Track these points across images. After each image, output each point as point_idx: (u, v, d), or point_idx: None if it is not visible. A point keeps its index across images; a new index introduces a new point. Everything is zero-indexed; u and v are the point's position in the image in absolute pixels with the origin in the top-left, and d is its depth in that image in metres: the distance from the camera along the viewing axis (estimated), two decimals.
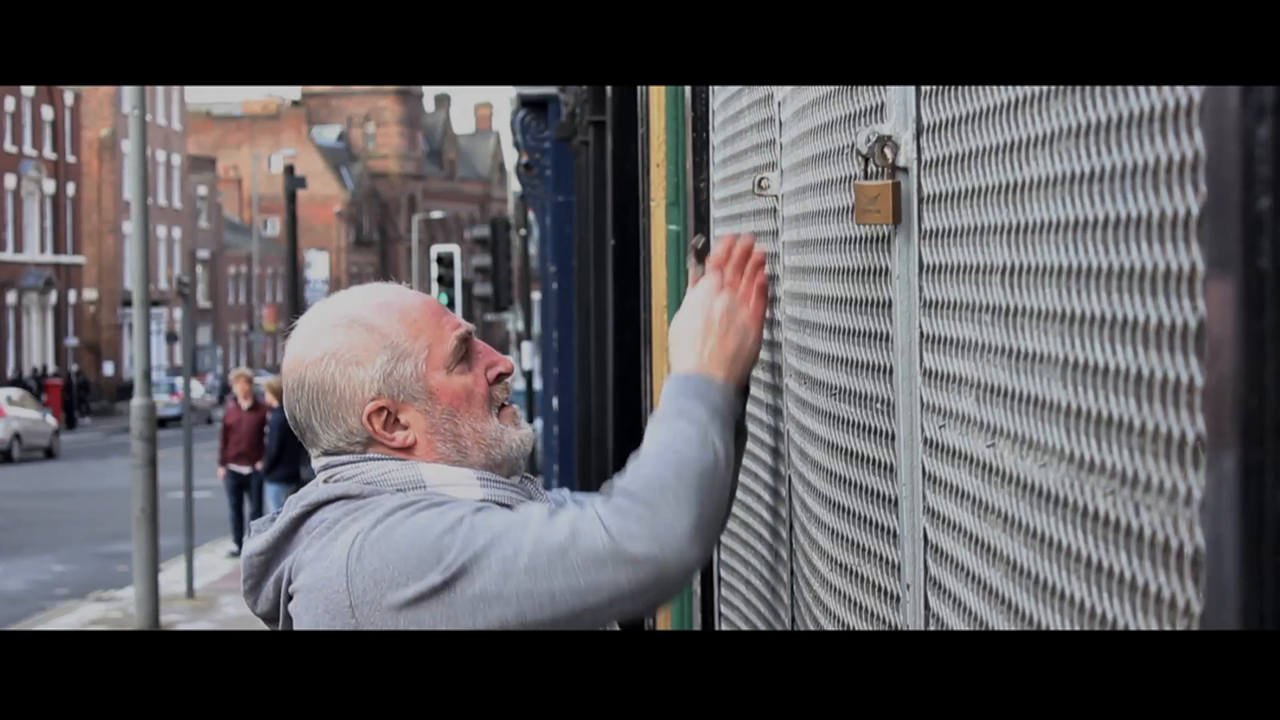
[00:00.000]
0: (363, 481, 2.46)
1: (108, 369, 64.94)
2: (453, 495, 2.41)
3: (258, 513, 18.41)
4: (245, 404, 19.03)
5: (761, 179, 2.77)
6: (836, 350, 2.30)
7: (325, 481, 2.50)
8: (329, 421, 2.50)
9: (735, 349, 2.56)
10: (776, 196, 2.75)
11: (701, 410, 2.45)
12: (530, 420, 26.26)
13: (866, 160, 2.02)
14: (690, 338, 2.58)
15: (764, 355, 2.96)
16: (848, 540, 2.26)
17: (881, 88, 2.03)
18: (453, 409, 2.50)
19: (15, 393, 43.39)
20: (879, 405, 2.07)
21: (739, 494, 3.28)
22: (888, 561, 2.05)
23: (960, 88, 1.75)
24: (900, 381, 1.97)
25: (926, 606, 1.92)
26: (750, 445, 3.14)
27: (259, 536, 2.47)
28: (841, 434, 2.28)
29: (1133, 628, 1.27)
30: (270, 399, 18.66)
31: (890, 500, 2.02)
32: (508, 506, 2.42)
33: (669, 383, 2.56)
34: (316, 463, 2.54)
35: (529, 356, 29.33)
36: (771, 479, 2.92)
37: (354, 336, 2.50)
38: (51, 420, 43.32)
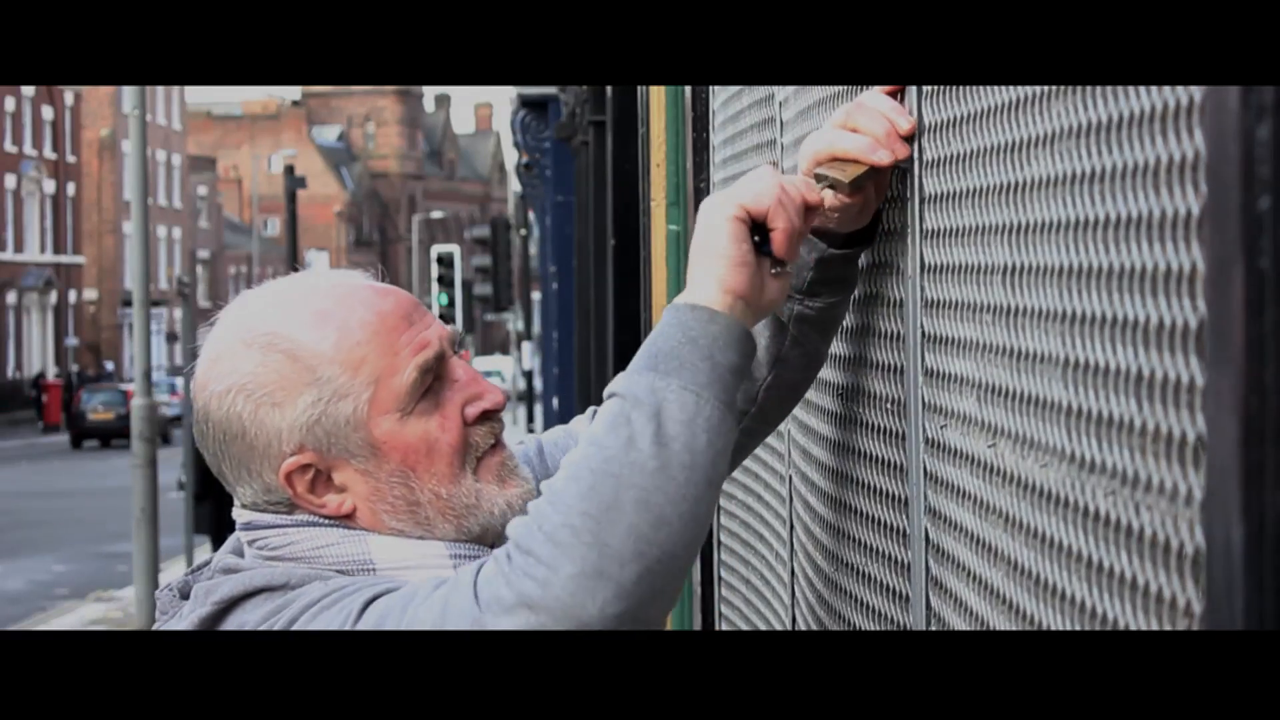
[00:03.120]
0: (293, 557, 1.88)
1: (108, 369, 64.87)
2: (410, 579, 1.82)
3: None
4: None
5: None
6: (844, 350, 2.30)
7: (249, 545, 1.93)
8: (240, 474, 1.90)
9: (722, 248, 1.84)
10: None
11: (629, 374, 1.77)
12: (530, 420, 26.18)
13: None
14: (706, 234, 1.86)
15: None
16: (854, 540, 2.26)
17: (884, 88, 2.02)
18: (406, 469, 1.87)
19: None
20: (889, 405, 2.06)
21: (739, 493, 3.28)
22: (897, 562, 2.05)
23: (961, 88, 1.75)
24: (910, 381, 1.96)
25: (928, 606, 1.92)
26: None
27: (175, 626, 1.94)
28: (849, 435, 2.28)
29: (1133, 628, 1.27)
30: None
31: (901, 500, 2.02)
32: None
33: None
34: (237, 515, 1.95)
35: (529, 356, 29.31)
36: (772, 479, 2.92)
37: (270, 365, 1.87)
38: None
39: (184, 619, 1.91)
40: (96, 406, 44.93)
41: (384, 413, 1.86)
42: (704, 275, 1.83)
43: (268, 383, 1.86)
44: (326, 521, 1.89)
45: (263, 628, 1.82)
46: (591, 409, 2.24)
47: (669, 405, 1.73)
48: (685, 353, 1.77)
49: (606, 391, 1.78)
